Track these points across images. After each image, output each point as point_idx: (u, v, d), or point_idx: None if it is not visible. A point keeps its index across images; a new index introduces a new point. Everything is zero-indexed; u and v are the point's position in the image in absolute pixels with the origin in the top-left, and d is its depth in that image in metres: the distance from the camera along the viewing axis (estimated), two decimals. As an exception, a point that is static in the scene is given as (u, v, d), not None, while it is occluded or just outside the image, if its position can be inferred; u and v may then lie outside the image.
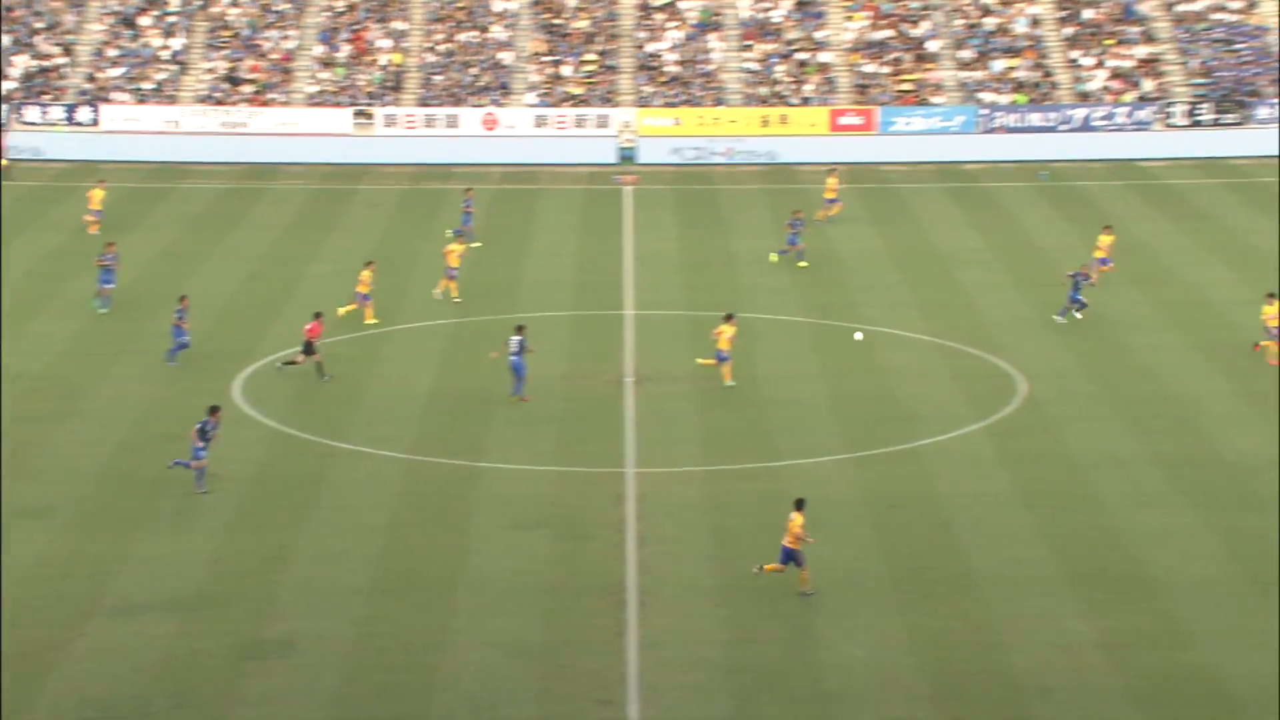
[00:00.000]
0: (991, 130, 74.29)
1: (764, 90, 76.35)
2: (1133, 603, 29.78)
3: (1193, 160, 72.19)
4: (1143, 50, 77.08)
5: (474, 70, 77.30)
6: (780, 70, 77.13)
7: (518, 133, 74.67)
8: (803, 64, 77.42)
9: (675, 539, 32.81)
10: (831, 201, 60.65)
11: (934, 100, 75.70)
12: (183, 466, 34.98)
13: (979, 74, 76.70)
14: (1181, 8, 78.97)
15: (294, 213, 64.30)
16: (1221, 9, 78.85)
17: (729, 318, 42.23)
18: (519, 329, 41.35)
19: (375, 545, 32.44)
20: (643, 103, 75.84)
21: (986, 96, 75.59)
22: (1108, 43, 77.40)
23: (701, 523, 33.68)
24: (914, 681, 27.11)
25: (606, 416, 40.09)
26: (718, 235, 60.15)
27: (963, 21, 78.93)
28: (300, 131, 74.57)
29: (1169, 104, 74.53)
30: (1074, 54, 77.28)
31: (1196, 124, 74.27)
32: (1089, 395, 41.34)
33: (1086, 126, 74.04)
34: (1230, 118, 74.18)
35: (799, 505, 30.23)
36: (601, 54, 78.21)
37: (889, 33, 78.57)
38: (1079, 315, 47.15)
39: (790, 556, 29.96)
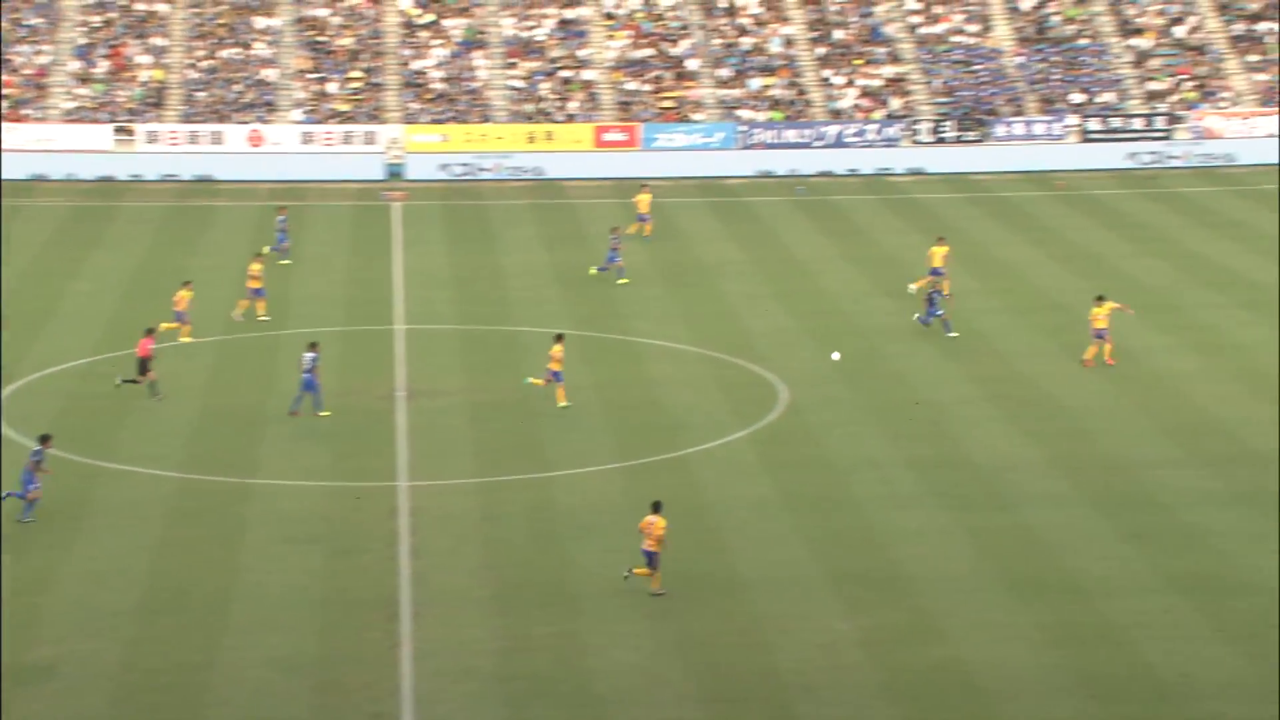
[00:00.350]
0: (750, 146, 76.00)
1: (529, 107, 77.02)
2: (890, 601, 30.92)
3: (938, 175, 74.88)
4: (889, 70, 79.64)
5: (238, 87, 76.50)
6: (545, 87, 77.88)
7: (284, 149, 74.12)
8: (567, 81, 78.29)
9: (448, 551, 33.16)
10: (643, 218, 61.59)
11: (695, 117, 77.18)
12: (16, 498, 34.03)
13: (737, 92, 78.42)
14: (924, 30, 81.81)
15: (53, 230, 62.90)
16: (960, 32, 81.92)
17: (559, 338, 42.50)
18: (312, 345, 41.30)
19: (144, 565, 32.17)
20: (410, 119, 75.88)
21: (745, 113, 77.34)
22: (857, 62, 79.78)
23: (474, 534, 34.07)
24: (682, 683, 27.80)
25: (379, 431, 40.24)
26: (486, 250, 60.57)
27: (720, 41, 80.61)
28: (58, 148, 72.93)
29: (915, 121, 77.18)
30: (826, 73, 79.48)
31: (940, 140, 77.06)
32: (847, 402, 42.69)
33: (839, 143, 76.24)
34: (971, 135, 77.20)
35: (657, 508, 30.91)
36: (367, 71, 78.04)
37: (650, 51, 79.87)
38: (951, 332, 48.16)
39: (651, 558, 30.68)
